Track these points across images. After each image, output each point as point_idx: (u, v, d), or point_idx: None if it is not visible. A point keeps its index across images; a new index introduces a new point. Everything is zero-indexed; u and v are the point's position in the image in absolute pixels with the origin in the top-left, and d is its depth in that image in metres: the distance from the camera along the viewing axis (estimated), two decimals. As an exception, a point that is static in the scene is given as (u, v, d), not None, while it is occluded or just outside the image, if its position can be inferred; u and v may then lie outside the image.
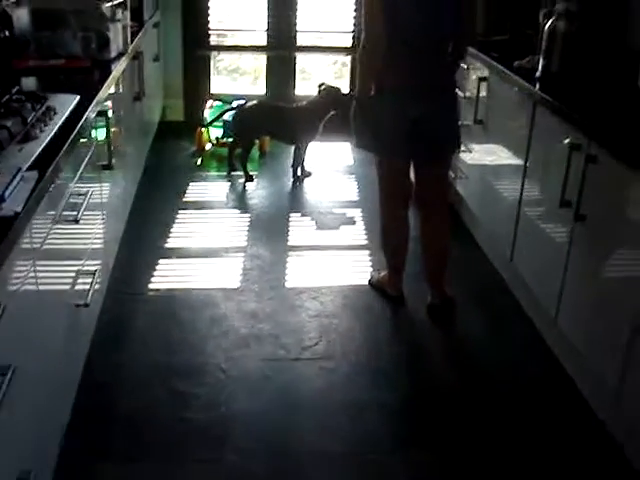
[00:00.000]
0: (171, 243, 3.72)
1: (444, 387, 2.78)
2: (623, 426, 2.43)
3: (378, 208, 3.23)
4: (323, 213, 4.19)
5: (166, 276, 3.43)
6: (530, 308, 3.19)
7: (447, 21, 2.81)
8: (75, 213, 2.20)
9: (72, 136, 2.17)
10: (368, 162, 4.87)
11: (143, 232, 3.72)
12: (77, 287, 2.35)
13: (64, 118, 2.31)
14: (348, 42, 5.43)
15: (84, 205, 2.27)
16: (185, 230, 3.87)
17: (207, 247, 3.70)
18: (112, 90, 2.97)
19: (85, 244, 2.55)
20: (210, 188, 4.47)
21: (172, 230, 3.85)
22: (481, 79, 3.49)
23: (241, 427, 2.49)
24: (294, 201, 4.37)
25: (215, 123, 4.89)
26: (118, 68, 3.06)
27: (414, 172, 3.12)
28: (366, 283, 3.43)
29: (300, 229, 3.98)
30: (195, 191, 4.39)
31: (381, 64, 2.76)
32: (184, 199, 4.27)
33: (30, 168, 1.88)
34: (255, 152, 4.92)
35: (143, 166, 4.23)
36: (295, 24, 5.25)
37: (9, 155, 1.96)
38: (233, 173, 4.65)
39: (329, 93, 4.46)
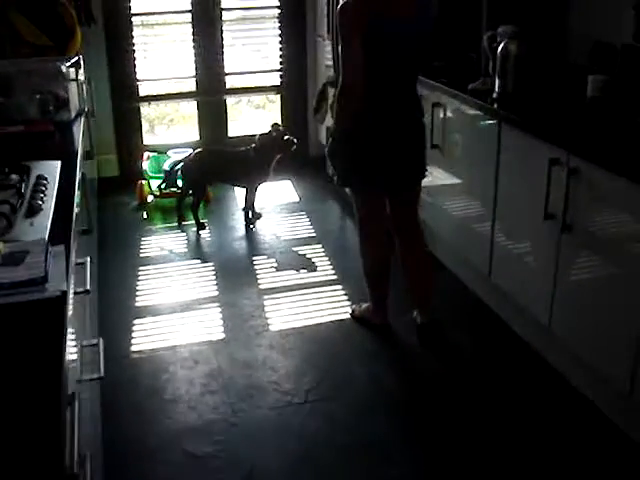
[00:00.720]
0: (141, 302, 3.61)
1: (453, 414, 2.80)
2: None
3: (357, 242, 3.25)
4: (284, 252, 4.16)
5: (146, 336, 3.32)
6: (515, 320, 3.26)
7: (422, 55, 2.90)
8: (83, 283, 2.12)
9: (75, 205, 2.09)
10: (314, 198, 4.94)
11: (110, 294, 3.59)
12: (86, 359, 2.25)
13: (56, 186, 2.22)
14: (276, 81, 5.46)
15: (88, 274, 2.18)
16: (151, 287, 3.77)
17: (179, 301, 3.60)
18: (79, 152, 2.88)
19: (86, 314, 2.44)
20: (163, 241, 4.36)
21: (138, 288, 3.74)
22: (435, 104, 3.56)
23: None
24: (252, 244, 4.32)
25: (157, 175, 4.81)
26: (80, 129, 2.96)
27: (389, 200, 3.16)
28: (348, 317, 3.43)
29: (267, 272, 3.93)
30: (149, 246, 4.28)
31: (360, 102, 2.80)
32: (141, 255, 4.15)
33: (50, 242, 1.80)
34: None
35: (95, 226, 4.09)
36: (223, 67, 5.23)
37: (22, 231, 1.87)
38: (184, 223, 4.56)
39: (277, 136, 4.48)
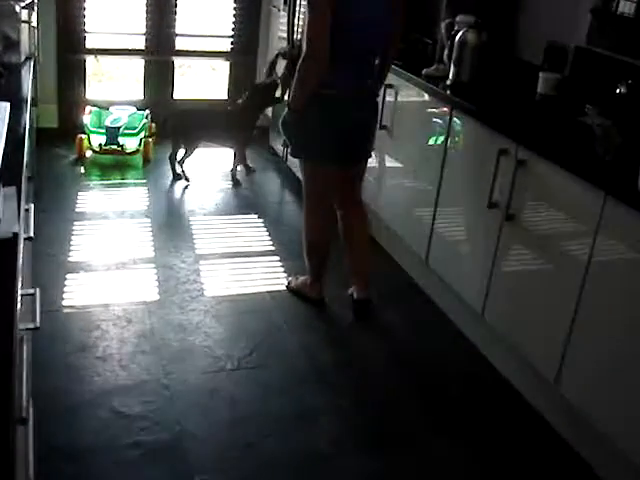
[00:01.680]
0: (75, 257, 3.53)
1: (383, 386, 2.86)
2: (563, 414, 2.61)
3: (303, 214, 3.24)
4: (223, 220, 4.15)
5: (78, 291, 3.25)
6: (448, 305, 3.33)
7: (388, 30, 2.91)
8: (27, 230, 2.06)
9: (26, 147, 2.03)
10: (256, 168, 4.92)
11: (43, 246, 3.49)
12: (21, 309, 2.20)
13: (5, 127, 2.15)
14: (226, 46, 5.39)
15: (32, 221, 2.13)
16: (86, 242, 3.69)
17: (114, 259, 3.54)
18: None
19: (25, 262, 2.38)
20: (100, 197, 4.28)
21: (72, 243, 3.65)
22: (387, 86, 3.58)
23: (201, 447, 2.43)
24: (191, 209, 4.26)
25: (97, 130, 4.70)
26: (29, 73, 2.88)
27: (338, 174, 3.17)
28: (284, 288, 3.45)
29: (205, 237, 3.90)
30: (86, 201, 4.19)
31: (323, 72, 2.80)
32: (77, 210, 4.06)
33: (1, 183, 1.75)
34: (139, 160, 4.79)
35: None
36: (174, 28, 5.13)
37: (-30, 170, 1.81)
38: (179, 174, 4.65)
39: (258, 91, 4.59)
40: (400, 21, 2.98)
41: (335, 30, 2.75)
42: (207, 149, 4.80)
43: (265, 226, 4.10)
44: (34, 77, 3.47)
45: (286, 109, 2.99)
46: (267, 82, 4.61)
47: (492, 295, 2.91)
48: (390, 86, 3.60)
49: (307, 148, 3.04)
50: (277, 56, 4.53)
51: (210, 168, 4.81)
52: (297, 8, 4.36)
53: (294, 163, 4.32)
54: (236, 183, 4.65)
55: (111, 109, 4.89)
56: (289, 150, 3.13)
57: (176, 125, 4.61)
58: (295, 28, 4.37)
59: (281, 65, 4.41)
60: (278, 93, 4.49)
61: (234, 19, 5.26)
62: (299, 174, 3.35)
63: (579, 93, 3.15)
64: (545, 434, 2.64)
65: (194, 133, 4.59)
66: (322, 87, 2.85)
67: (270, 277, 3.57)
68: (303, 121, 2.94)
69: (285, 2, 4.64)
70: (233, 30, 5.30)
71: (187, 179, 4.60)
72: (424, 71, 3.44)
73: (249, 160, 4.88)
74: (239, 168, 4.71)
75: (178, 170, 4.63)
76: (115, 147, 4.69)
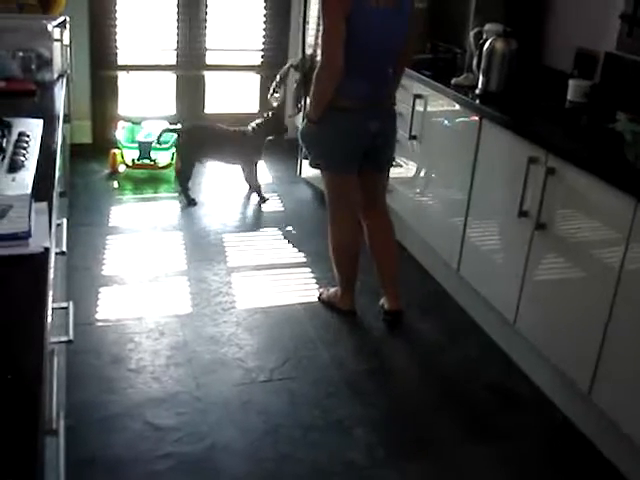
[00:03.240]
0: (108, 270, 3.58)
1: (415, 396, 2.86)
2: (597, 424, 2.58)
3: (328, 226, 3.25)
4: (254, 232, 4.17)
5: (112, 304, 3.29)
6: (480, 314, 3.31)
7: (400, 41, 2.92)
8: (59, 244, 2.10)
9: (58, 163, 2.07)
10: (287, 180, 4.95)
11: (77, 260, 3.54)
12: (54, 323, 2.23)
13: (38, 144, 2.19)
14: (257, 60, 5.44)
15: (65, 236, 2.16)
16: (119, 256, 3.74)
17: (147, 273, 3.58)
18: (59, 114, 2.84)
19: (57, 276, 2.42)
20: (133, 211, 4.33)
21: (106, 257, 3.71)
22: (416, 96, 3.59)
23: (233, 458, 2.44)
24: (223, 222, 4.29)
25: (130, 145, 4.77)
26: (62, 90, 2.93)
27: (360, 184, 3.17)
28: (315, 300, 3.45)
29: (236, 250, 3.93)
30: (119, 215, 4.25)
31: (339, 83, 2.82)
32: (110, 224, 4.12)
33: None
34: (172, 174, 4.83)
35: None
36: (204, 42, 5.19)
37: (3, 185, 1.85)
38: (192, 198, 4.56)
39: (272, 119, 4.58)
40: (414, 30, 2.99)
41: (350, 40, 2.77)
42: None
43: (296, 238, 4.11)
44: (67, 94, 3.54)
45: (305, 120, 3.01)
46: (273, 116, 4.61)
47: (524, 304, 2.88)
48: (419, 96, 3.61)
49: (325, 158, 3.06)
50: (289, 68, 4.55)
51: (240, 182, 4.83)
52: (308, 19, 4.38)
53: (308, 176, 4.37)
54: (263, 200, 4.60)
55: (143, 124, 4.96)
56: (309, 161, 3.15)
57: (183, 143, 4.56)
58: (306, 39, 4.39)
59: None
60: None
61: (264, 32, 5.30)
62: (316, 185, 3.36)
63: (609, 100, 3.13)
64: (578, 444, 2.61)
65: (197, 151, 4.53)
66: (338, 97, 2.87)
67: (302, 289, 3.58)
68: (320, 132, 2.97)
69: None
70: (263, 44, 5.35)
71: (194, 202, 4.50)
72: (453, 80, 3.44)
73: (271, 172, 4.94)
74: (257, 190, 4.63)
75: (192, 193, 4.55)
76: (148, 161, 4.75)
